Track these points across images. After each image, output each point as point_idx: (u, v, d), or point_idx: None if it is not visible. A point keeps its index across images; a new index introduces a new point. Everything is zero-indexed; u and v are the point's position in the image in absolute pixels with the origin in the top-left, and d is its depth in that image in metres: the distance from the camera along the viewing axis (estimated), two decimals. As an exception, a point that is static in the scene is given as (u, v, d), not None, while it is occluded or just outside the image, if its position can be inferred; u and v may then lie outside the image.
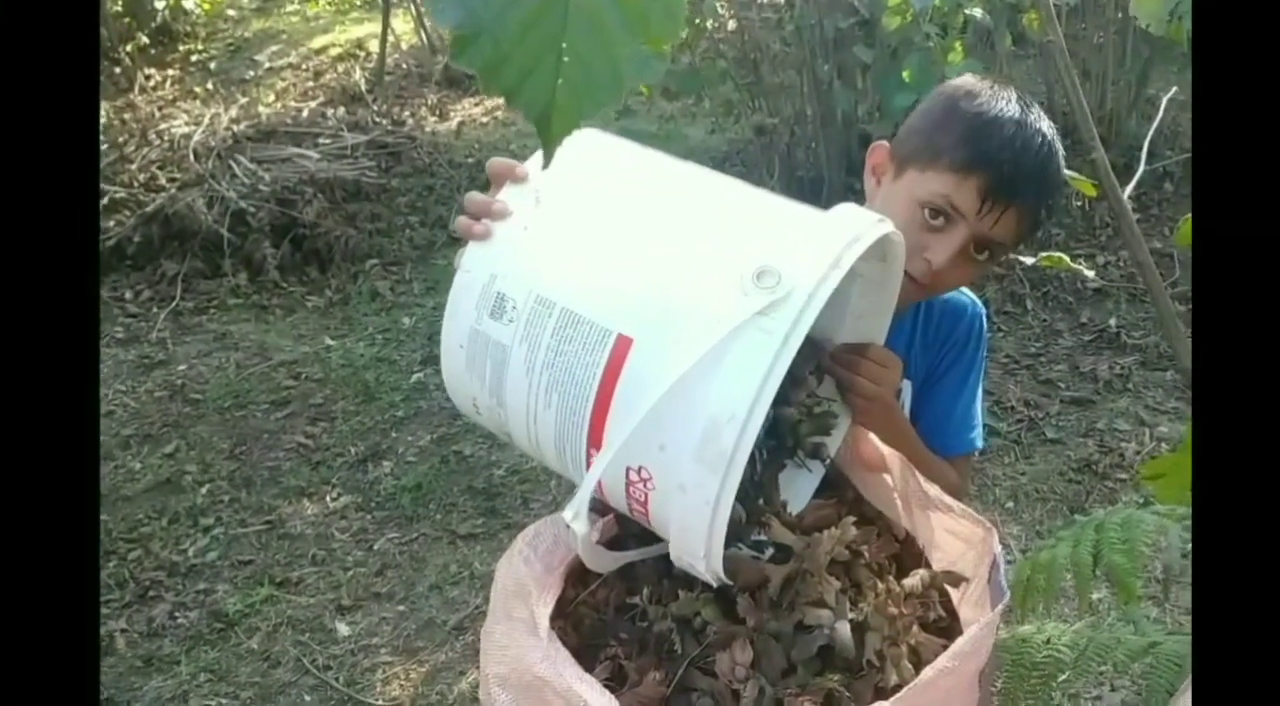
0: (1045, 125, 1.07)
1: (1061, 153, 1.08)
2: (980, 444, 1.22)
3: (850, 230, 0.78)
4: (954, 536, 0.93)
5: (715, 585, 0.81)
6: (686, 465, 0.73)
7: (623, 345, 0.76)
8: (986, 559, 0.88)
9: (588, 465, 0.81)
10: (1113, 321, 3.22)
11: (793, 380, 0.92)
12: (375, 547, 2.57)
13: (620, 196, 0.86)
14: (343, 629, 2.33)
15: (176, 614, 2.37)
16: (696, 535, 0.76)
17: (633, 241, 0.82)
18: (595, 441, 0.79)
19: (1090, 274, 1.29)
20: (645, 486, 0.78)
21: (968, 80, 1.12)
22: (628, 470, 0.79)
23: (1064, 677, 1.22)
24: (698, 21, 3.75)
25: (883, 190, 1.11)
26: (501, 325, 0.82)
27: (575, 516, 0.75)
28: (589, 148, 0.89)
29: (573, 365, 0.78)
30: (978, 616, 0.85)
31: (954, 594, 0.92)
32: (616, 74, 0.49)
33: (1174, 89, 2.03)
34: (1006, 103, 1.07)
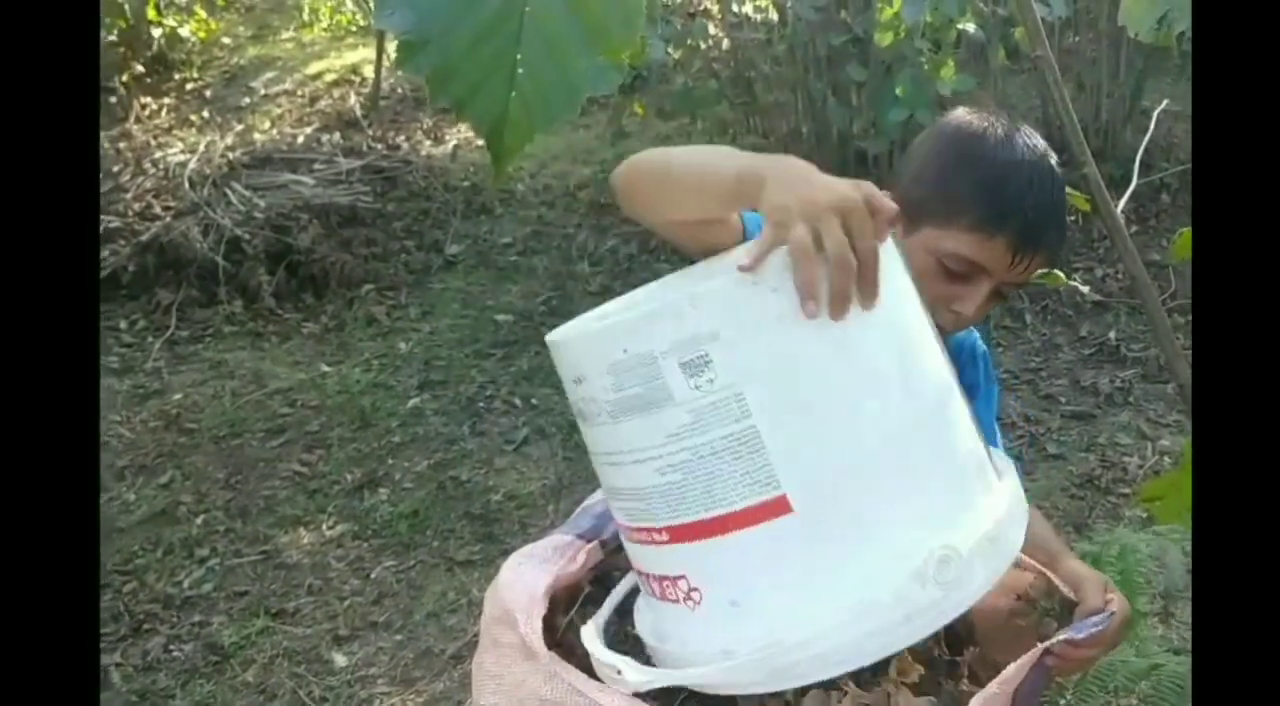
0: (1042, 148, 1.06)
1: (1062, 180, 1.08)
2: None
3: (1019, 512, 0.82)
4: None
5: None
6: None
7: (778, 506, 0.73)
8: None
9: (637, 534, 0.80)
10: (1113, 334, 3.20)
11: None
12: (372, 576, 2.54)
13: (880, 358, 0.77)
14: (339, 659, 2.30)
15: (171, 647, 2.34)
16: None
17: (860, 418, 0.75)
18: (674, 535, 0.77)
19: (1086, 290, 1.28)
20: (686, 596, 0.78)
21: (966, 119, 1.10)
22: (670, 577, 0.79)
23: (1065, 702, 1.20)
24: (690, 42, 3.76)
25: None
26: (684, 381, 0.73)
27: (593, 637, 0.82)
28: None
29: (719, 477, 0.73)
30: None
31: None
32: (572, 86, 0.47)
33: (1165, 102, 2.02)
34: (1010, 142, 1.05)
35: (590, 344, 0.78)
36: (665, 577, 0.79)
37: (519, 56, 0.48)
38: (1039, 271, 1.24)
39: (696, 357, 0.72)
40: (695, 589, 0.77)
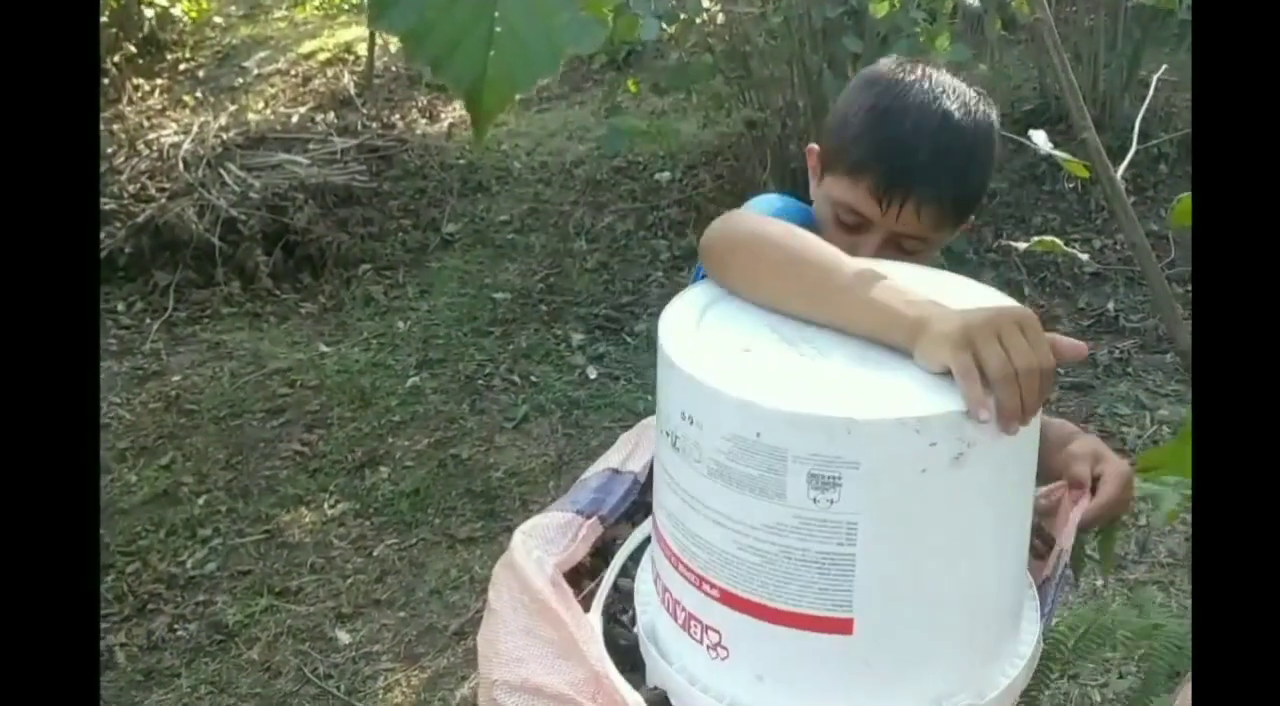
0: (955, 104, 1.00)
1: (985, 126, 1.02)
2: None
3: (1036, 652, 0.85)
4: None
5: None
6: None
7: (841, 625, 0.74)
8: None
9: (684, 571, 0.79)
10: (1111, 305, 3.20)
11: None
12: (374, 554, 2.55)
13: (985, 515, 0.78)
14: (343, 637, 2.31)
15: (176, 626, 2.35)
16: None
17: (948, 575, 0.76)
18: (726, 598, 0.76)
19: (1085, 258, 1.27)
20: (714, 647, 0.79)
21: (879, 66, 1.06)
22: (704, 624, 0.79)
23: (1066, 650, 1.21)
24: (685, 16, 3.73)
25: (813, 193, 1.08)
26: (805, 490, 0.71)
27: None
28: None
29: (797, 579, 0.73)
30: None
31: None
32: (553, 43, 0.46)
33: (1163, 68, 2.01)
34: (904, 88, 1.01)
35: (723, 405, 0.73)
36: (697, 620, 0.79)
37: (496, 14, 0.46)
38: (1037, 241, 1.24)
39: (829, 476, 0.71)
40: (725, 648, 0.78)
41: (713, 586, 0.77)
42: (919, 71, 1.03)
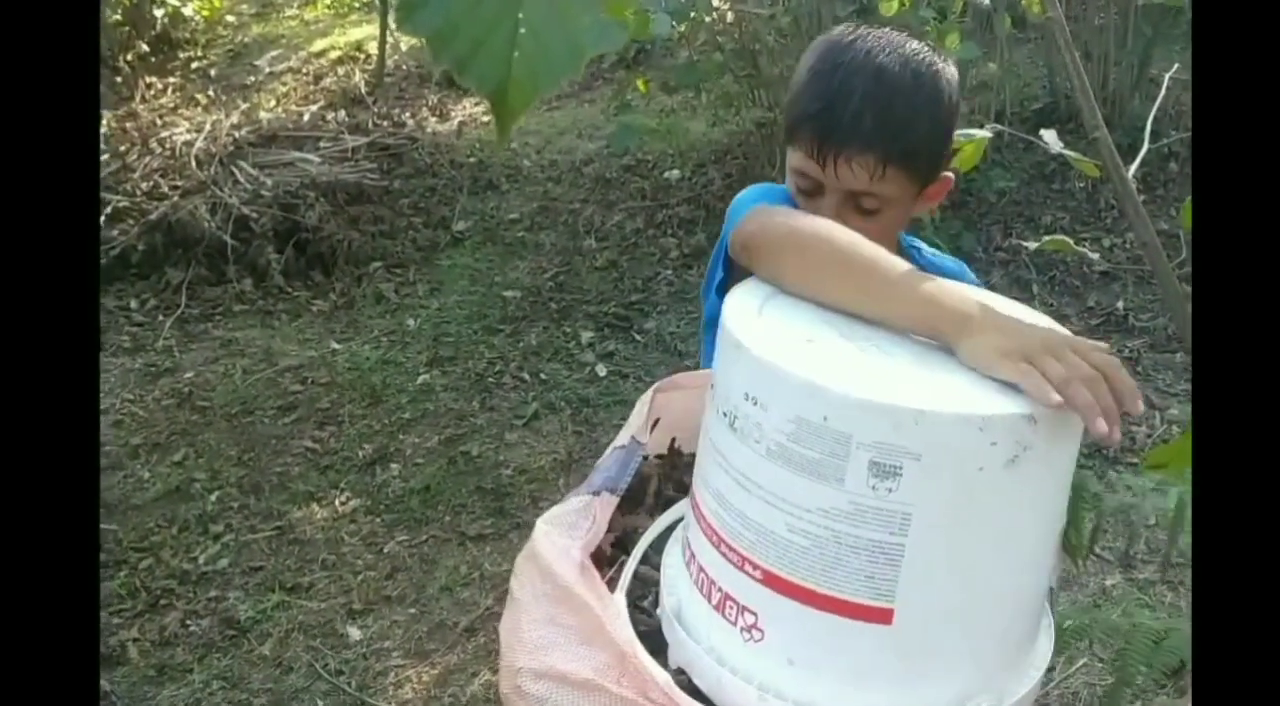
0: (891, 59, 0.99)
1: (929, 77, 1.01)
2: None
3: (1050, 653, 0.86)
4: None
5: None
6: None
7: (882, 615, 0.75)
8: None
9: (725, 550, 0.80)
10: (1120, 304, 3.20)
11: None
12: (385, 551, 2.57)
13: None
14: (354, 633, 2.32)
15: (188, 622, 2.37)
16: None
17: (991, 575, 0.78)
18: (768, 579, 0.77)
19: (1095, 257, 1.27)
20: (748, 629, 0.79)
21: (830, 33, 1.06)
22: (741, 605, 0.79)
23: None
24: (694, 15, 3.74)
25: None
26: (865, 476, 0.72)
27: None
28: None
29: (844, 565, 0.74)
30: None
31: None
32: (575, 45, 0.46)
33: (1175, 67, 2.01)
34: (845, 49, 1.00)
35: (792, 387, 0.74)
36: (733, 600, 0.80)
37: (520, 15, 0.47)
38: (1047, 241, 1.23)
39: (890, 465, 0.72)
40: (760, 630, 0.79)
41: (756, 567, 0.78)
42: (861, 31, 1.03)
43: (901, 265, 0.85)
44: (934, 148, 1.03)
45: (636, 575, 0.92)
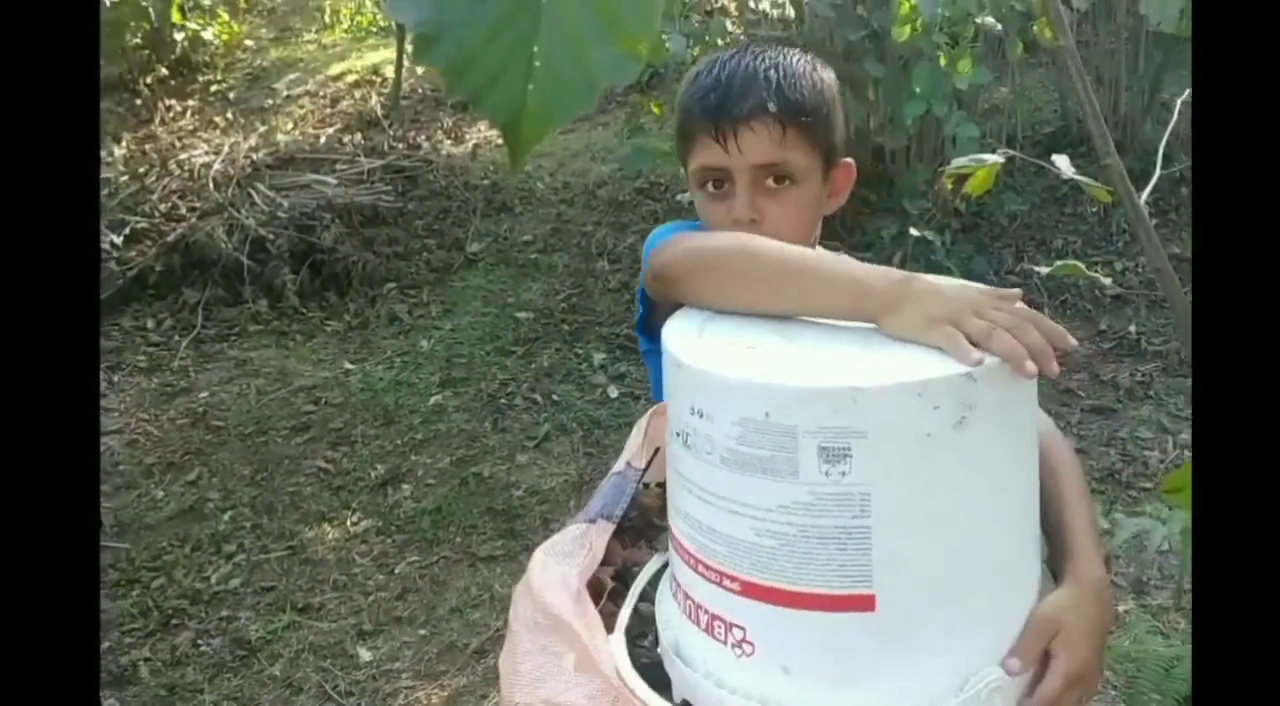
0: (760, 47, 1.03)
1: (796, 53, 1.04)
2: None
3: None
4: None
5: None
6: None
7: (863, 602, 0.74)
8: None
9: (704, 570, 0.80)
10: (1132, 328, 3.19)
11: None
12: (396, 571, 2.57)
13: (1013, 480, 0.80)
14: (364, 654, 2.33)
15: (199, 642, 2.38)
16: None
17: (965, 544, 0.77)
18: (747, 590, 0.77)
19: (1107, 281, 1.27)
20: (738, 644, 0.79)
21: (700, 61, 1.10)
22: (728, 622, 0.79)
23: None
24: (708, 39, 3.77)
25: (699, 207, 1.09)
26: (817, 464, 0.72)
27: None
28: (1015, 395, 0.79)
29: (815, 559, 0.74)
30: None
31: None
32: (589, 77, 0.46)
33: (1187, 92, 2.01)
34: (714, 56, 1.04)
35: (730, 391, 0.75)
36: (720, 619, 0.80)
37: (535, 48, 0.47)
38: (1059, 266, 1.23)
39: (838, 448, 0.72)
40: (750, 643, 0.78)
41: (734, 579, 0.78)
42: (750, 46, 1.06)
43: (816, 256, 0.88)
44: (827, 114, 1.04)
45: (637, 612, 0.92)
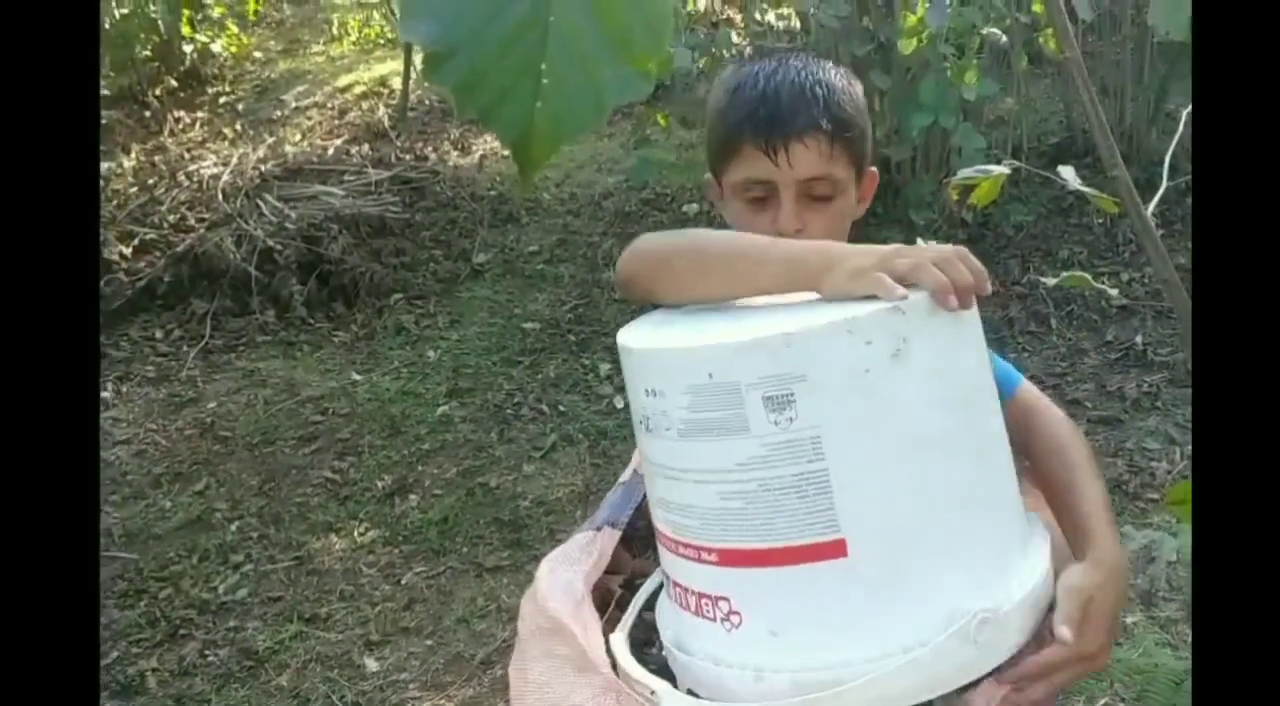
0: (798, 60, 1.06)
1: (834, 68, 1.07)
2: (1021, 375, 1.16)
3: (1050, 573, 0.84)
4: None
5: None
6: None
7: (834, 548, 0.75)
8: None
9: (683, 549, 0.81)
10: (1139, 339, 3.18)
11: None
12: (403, 582, 2.57)
13: (958, 409, 0.80)
14: (371, 664, 2.33)
15: (207, 652, 2.38)
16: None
17: (927, 476, 0.77)
18: (724, 558, 0.78)
19: (1114, 292, 1.28)
20: (726, 617, 0.79)
21: (729, 69, 1.12)
22: (713, 597, 0.80)
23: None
24: (714, 51, 3.78)
25: (724, 211, 1.11)
26: (764, 415, 0.74)
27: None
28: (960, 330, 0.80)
29: (781, 511, 0.75)
30: None
31: None
32: (598, 96, 0.47)
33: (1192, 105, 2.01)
34: (749, 66, 1.06)
35: (674, 361, 0.78)
36: (706, 595, 0.81)
37: (543, 67, 0.48)
38: (1066, 277, 1.24)
39: (781, 395, 0.73)
40: (736, 613, 0.79)
41: (710, 551, 0.79)
42: (775, 55, 1.09)
43: (760, 240, 0.92)
44: (864, 127, 1.08)
45: (644, 621, 0.92)
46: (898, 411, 0.75)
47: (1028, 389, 1.07)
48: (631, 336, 0.85)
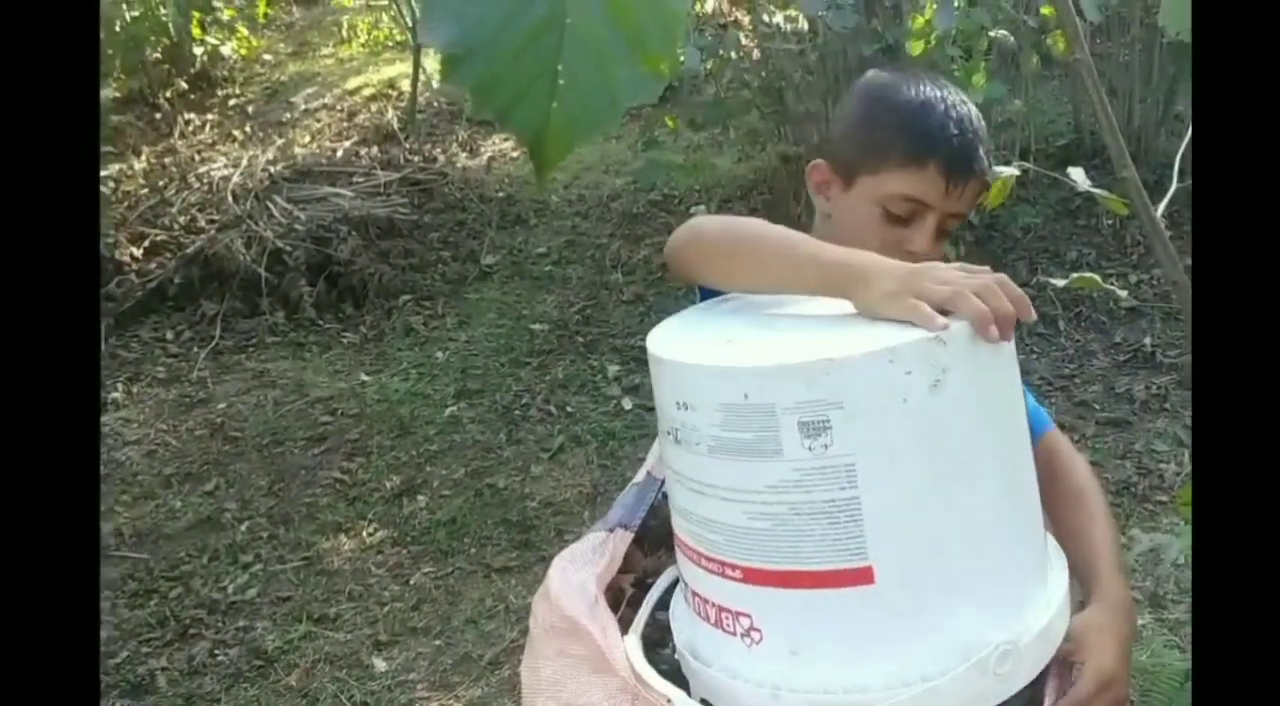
0: (961, 95, 1.08)
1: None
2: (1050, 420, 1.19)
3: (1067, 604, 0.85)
4: None
5: None
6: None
7: (861, 575, 0.75)
8: None
9: (706, 563, 0.81)
10: (1147, 340, 3.18)
11: None
12: (411, 582, 2.58)
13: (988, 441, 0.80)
14: (380, 665, 2.34)
15: (216, 652, 2.40)
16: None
17: (957, 507, 0.77)
18: (748, 576, 0.78)
19: (1123, 294, 1.28)
20: (746, 633, 0.80)
21: (879, 74, 1.12)
22: (734, 612, 0.80)
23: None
24: (722, 53, 3.79)
25: (835, 204, 1.10)
26: (799, 440, 0.73)
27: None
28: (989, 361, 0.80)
29: (809, 535, 0.75)
30: None
31: None
32: (613, 96, 0.47)
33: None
34: (921, 83, 1.07)
35: (709, 378, 0.77)
36: (727, 610, 0.81)
37: (560, 67, 0.48)
38: (1075, 278, 1.25)
39: (817, 421, 0.73)
40: (757, 630, 0.79)
41: (734, 568, 0.78)
42: (918, 73, 1.11)
43: (793, 239, 0.93)
44: None
45: (655, 620, 0.92)
46: (933, 441, 0.75)
47: (1055, 434, 1.10)
48: (662, 343, 0.85)
